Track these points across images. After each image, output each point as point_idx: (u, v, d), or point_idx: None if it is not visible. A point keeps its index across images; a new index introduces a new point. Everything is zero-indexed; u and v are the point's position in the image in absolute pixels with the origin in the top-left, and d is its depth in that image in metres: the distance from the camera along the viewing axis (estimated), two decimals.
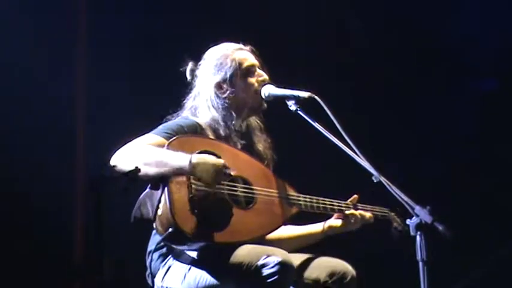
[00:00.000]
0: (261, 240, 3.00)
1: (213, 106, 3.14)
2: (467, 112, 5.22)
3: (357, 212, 3.21)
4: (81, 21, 4.73)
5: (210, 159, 2.83)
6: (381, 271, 4.67)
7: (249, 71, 3.17)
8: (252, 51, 3.25)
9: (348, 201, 3.23)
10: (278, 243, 3.16)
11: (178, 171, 2.80)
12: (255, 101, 3.15)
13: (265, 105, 3.17)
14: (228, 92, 3.15)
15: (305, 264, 3.07)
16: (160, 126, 3.04)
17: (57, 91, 4.51)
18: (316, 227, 3.25)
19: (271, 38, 4.62)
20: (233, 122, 3.13)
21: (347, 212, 3.19)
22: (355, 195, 3.25)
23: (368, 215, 3.22)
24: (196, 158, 2.80)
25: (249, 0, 4.95)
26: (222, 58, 3.19)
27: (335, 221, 3.22)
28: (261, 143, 3.24)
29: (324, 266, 3.06)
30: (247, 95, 3.15)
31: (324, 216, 3.22)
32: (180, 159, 2.80)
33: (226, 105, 3.14)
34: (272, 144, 3.28)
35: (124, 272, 4.19)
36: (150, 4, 4.79)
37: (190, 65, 3.24)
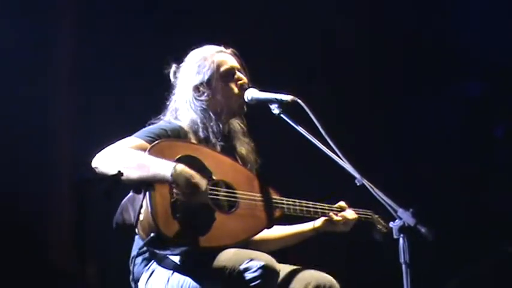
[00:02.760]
0: (246, 243, 3.00)
1: (191, 108, 3.15)
2: (453, 115, 5.23)
3: (341, 214, 3.26)
4: (68, 19, 4.70)
5: (192, 172, 2.80)
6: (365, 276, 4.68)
7: (228, 74, 3.18)
8: (234, 54, 3.26)
9: (337, 205, 3.28)
10: (264, 243, 3.19)
11: (160, 179, 2.79)
12: (234, 104, 3.16)
13: (245, 108, 3.17)
14: (205, 94, 3.16)
15: (290, 275, 3.07)
16: (143, 130, 3.03)
17: (41, 91, 4.48)
18: (307, 225, 3.29)
19: (254, 40, 4.62)
20: (211, 124, 3.13)
21: (335, 217, 3.23)
22: (343, 203, 3.29)
23: (353, 216, 3.28)
24: (180, 169, 2.78)
25: (233, 2, 4.94)
26: (201, 60, 3.19)
27: (325, 219, 3.26)
28: (244, 147, 3.24)
29: (308, 278, 3.06)
30: (225, 98, 3.15)
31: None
32: (163, 167, 2.79)
33: (204, 107, 3.15)
34: (255, 147, 3.28)
35: (107, 275, 4.16)
36: (138, 5, 4.77)
37: (173, 67, 3.24)
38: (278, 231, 3.28)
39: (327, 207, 3.24)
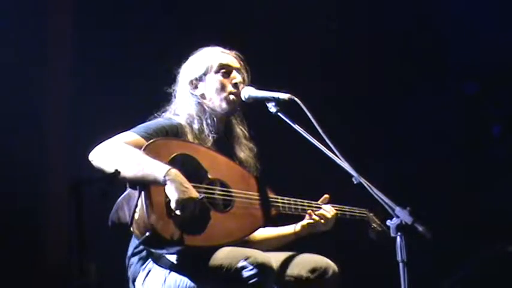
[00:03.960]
0: (241, 243, 2.99)
1: (187, 102, 3.16)
2: (451, 114, 5.23)
3: (319, 212, 3.20)
4: (68, 18, 4.70)
5: (185, 182, 2.78)
6: (364, 270, 4.68)
7: (222, 70, 3.18)
8: (237, 56, 3.26)
9: (319, 202, 3.25)
10: (248, 245, 3.15)
11: (153, 181, 2.78)
12: (225, 101, 3.15)
13: (239, 107, 3.18)
14: (199, 88, 3.18)
15: (286, 261, 3.08)
16: (141, 125, 3.03)
17: (36, 89, 4.47)
18: (288, 229, 3.27)
19: (253, 40, 4.62)
20: (206, 117, 3.13)
21: (314, 216, 3.19)
22: (326, 195, 3.26)
23: (331, 214, 3.21)
24: (173, 175, 2.76)
25: (233, 2, 4.95)
26: (200, 57, 3.23)
27: (305, 222, 3.23)
28: (244, 152, 3.23)
29: (305, 262, 3.07)
30: (217, 93, 3.16)
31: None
32: (157, 170, 2.78)
33: (198, 101, 3.16)
34: (257, 152, 3.27)
35: (107, 275, 4.15)
36: (138, 4, 4.77)
37: (182, 67, 3.26)
38: (262, 233, 3.25)
39: (313, 205, 3.21)
